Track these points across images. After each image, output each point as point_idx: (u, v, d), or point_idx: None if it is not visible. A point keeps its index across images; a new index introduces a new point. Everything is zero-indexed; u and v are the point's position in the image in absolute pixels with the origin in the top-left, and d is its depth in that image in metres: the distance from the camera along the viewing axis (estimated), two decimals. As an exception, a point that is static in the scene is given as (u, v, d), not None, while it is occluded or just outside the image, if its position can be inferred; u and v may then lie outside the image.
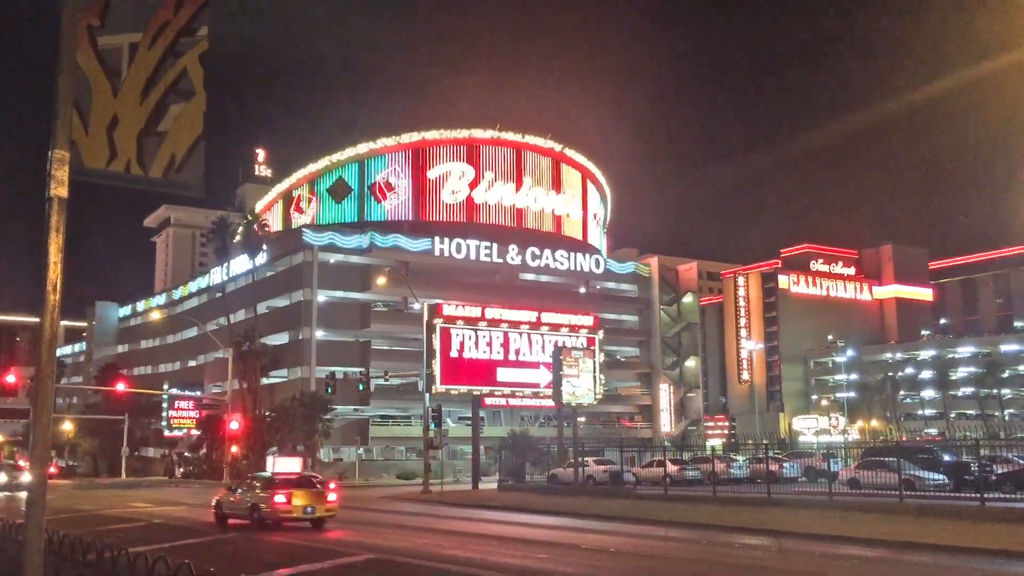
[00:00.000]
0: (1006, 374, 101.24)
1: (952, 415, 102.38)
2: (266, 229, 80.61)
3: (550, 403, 59.67)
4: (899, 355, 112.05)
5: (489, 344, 60.85)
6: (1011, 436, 73.05)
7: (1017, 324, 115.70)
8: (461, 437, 67.58)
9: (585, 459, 50.81)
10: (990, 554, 19.74)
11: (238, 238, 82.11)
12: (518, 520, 31.69)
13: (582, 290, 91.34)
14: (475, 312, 61.28)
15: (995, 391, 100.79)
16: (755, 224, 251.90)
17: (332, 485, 40.37)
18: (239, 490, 30.22)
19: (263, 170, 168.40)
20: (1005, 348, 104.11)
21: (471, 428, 59.97)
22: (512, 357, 61.89)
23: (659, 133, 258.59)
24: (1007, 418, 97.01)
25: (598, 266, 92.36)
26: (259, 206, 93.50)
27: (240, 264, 79.37)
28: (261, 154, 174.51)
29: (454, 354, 59.00)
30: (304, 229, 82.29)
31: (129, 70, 6.80)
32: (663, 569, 19.02)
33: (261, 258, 77.35)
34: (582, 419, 67.81)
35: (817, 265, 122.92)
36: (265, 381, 73.30)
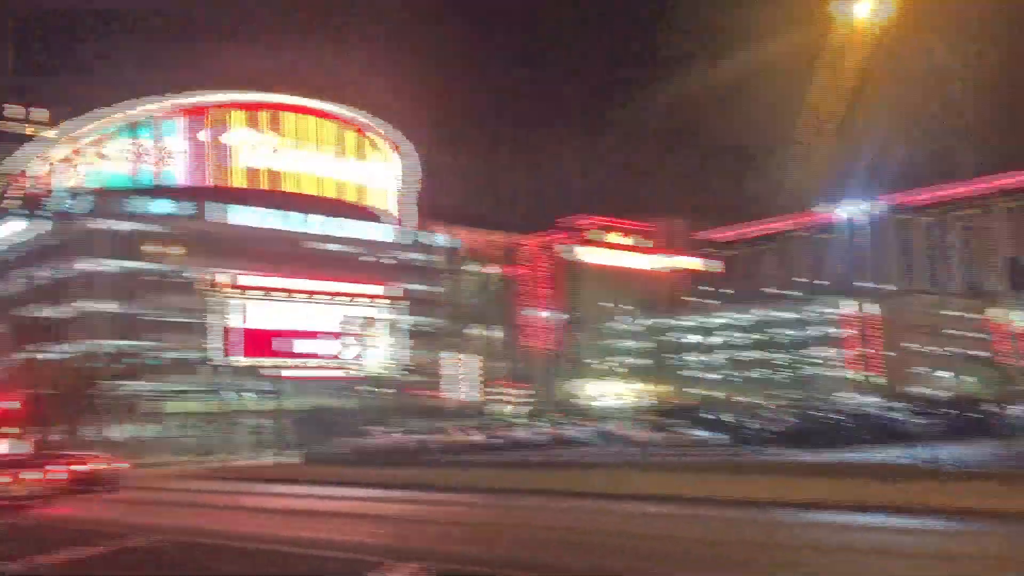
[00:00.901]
0: (783, 339, 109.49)
1: (737, 377, 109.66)
2: (39, 194, 74.47)
3: (353, 374, 59.06)
4: (687, 322, 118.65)
5: (287, 315, 59.39)
6: (781, 397, 79.26)
7: (788, 292, 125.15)
8: (261, 411, 65.58)
9: (388, 429, 50.65)
10: (761, 505, 21.16)
11: (4, 203, 75.50)
12: (320, 493, 31.13)
13: (385, 260, 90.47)
14: (270, 282, 59.58)
15: (771, 355, 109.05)
16: (556, 196, 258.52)
17: (125, 465, 38.49)
18: None
19: (37, 130, 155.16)
20: (780, 315, 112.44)
21: (271, 401, 58.38)
22: (311, 328, 60.81)
23: (467, 107, 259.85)
24: (782, 380, 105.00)
25: (402, 237, 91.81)
26: (32, 169, 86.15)
27: (7, 230, 73.08)
28: (35, 113, 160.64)
29: (248, 325, 57.27)
30: (83, 194, 76.64)
31: None
32: (460, 534, 19.17)
33: (33, 225, 71.51)
34: (386, 390, 67.47)
35: (611, 236, 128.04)
36: (38, 356, 68.01)
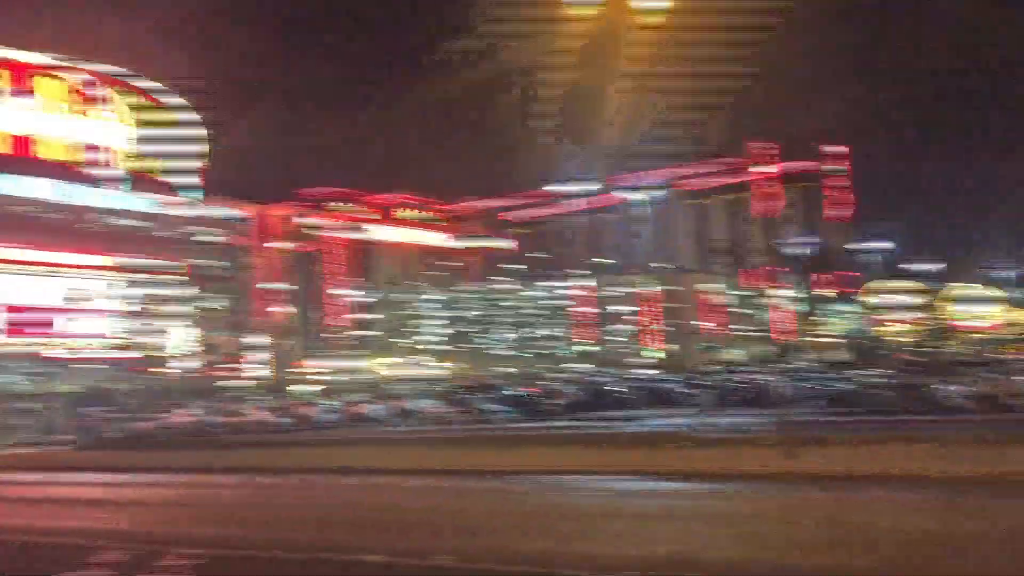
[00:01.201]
0: (573, 315, 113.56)
1: (529, 352, 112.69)
2: None
3: (130, 354, 55.90)
4: (482, 298, 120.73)
5: (51, 292, 55.25)
6: (570, 371, 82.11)
7: (579, 271, 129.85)
8: (30, 395, 60.65)
9: (172, 411, 48.48)
10: (550, 472, 21.81)
11: None
12: (87, 480, 29.32)
13: (167, 235, 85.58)
14: (32, 256, 55.17)
15: (561, 330, 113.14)
16: (347, 174, 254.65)
17: None
18: None
19: None
20: (564, 291, 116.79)
21: (38, 384, 54.24)
22: (81, 306, 56.92)
23: (257, 75, 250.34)
24: (571, 354, 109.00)
25: (187, 210, 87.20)
26: None
27: None
28: None
29: (7, 303, 52.72)
30: None
31: None
32: (234, 517, 18.55)
33: None
34: (170, 369, 64.24)
35: (408, 214, 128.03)
36: None
